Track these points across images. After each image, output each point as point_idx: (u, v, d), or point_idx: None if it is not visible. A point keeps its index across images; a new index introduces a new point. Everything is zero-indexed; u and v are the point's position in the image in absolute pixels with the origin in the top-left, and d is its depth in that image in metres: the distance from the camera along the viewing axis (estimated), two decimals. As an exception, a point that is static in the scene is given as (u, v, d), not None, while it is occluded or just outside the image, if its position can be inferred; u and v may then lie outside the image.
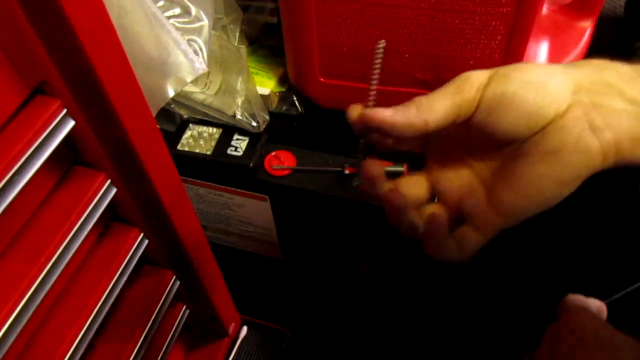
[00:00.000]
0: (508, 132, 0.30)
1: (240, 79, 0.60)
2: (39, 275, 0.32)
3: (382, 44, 0.32)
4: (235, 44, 0.65)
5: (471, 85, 0.30)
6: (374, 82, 0.33)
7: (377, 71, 0.33)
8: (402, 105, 0.31)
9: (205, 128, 0.64)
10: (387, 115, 0.30)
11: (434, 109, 0.30)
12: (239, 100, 0.60)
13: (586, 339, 0.31)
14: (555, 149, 0.29)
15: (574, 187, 0.30)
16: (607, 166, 0.29)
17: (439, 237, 0.33)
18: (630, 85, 0.29)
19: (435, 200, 0.35)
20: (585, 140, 0.29)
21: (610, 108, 0.29)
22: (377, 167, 0.33)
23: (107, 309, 0.39)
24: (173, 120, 0.64)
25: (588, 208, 0.59)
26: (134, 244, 0.41)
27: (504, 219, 0.32)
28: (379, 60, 0.32)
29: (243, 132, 0.62)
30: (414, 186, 0.34)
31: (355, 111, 0.32)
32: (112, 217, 0.42)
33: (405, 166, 0.58)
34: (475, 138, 0.32)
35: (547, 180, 0.30)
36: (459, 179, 0.34)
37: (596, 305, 0.38)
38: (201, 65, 0.53)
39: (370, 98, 0.33)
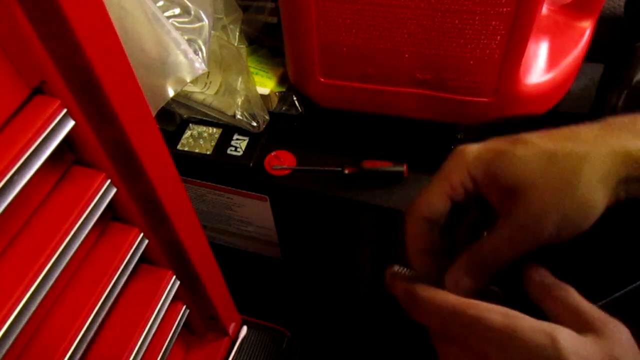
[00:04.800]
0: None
1: (240, 79, 0.60)
2: (39, 275, 0.32)
3: None
4: (235, 44, 0.65)
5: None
6: None
7: None
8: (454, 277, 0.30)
9: (205, 128, 0.64)
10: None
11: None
12: (239, 100, 0.60)
13: None
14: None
15: None
16: None
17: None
18: None
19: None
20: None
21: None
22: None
23: (107, 308, 0.39)
24: (173, 120, 0.64)
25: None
26: (133, 243, 0.41)
27: None
28: None
29: (243, 132, 0.62)
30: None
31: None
32: (111, 216, 0.42)
33: (405, 166, 0.58)
34: None
35: None
36: None
37: None
38: (201, 65, 0.53)
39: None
